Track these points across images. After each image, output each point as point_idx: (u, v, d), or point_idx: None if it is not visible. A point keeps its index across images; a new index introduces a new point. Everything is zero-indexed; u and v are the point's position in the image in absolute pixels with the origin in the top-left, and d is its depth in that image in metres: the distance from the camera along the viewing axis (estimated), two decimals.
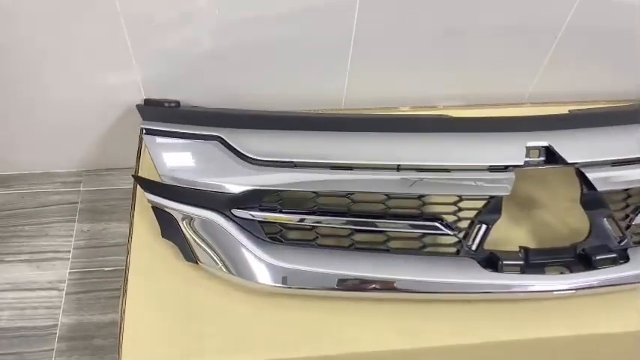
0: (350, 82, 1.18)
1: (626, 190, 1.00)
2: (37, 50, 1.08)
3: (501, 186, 0.95)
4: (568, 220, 1.07)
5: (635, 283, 0.96)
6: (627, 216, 1.00)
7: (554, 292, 0.93)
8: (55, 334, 1.13)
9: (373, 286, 0.93)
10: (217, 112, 1.10)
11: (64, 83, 1.14)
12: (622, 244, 0.98)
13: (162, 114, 1.08)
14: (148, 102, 1.16)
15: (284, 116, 1.07)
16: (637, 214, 1.00)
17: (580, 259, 0.96)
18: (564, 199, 1.09)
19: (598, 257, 0.94)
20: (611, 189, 0.97)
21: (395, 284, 0.93)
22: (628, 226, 0.99)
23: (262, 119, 1.06)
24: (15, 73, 1.12)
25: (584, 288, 0.94)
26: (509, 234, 1.03)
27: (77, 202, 1.31)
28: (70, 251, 1.24)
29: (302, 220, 0.97)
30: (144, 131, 1.02)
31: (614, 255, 0.95)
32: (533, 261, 0.95)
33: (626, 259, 0.96)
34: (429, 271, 0.93)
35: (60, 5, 1.00)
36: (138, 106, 1.11)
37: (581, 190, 0.97)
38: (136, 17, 1.03)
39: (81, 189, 1.33)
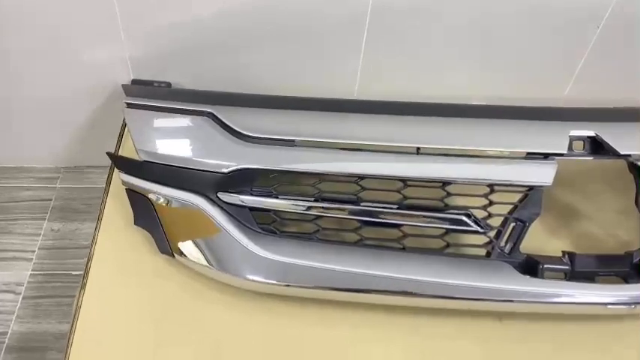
0: (364, 71, 1.05)
1: None
2: (19, 24, 0.97)
3: (542, 175, 0.78)
4: (618, 233, 0.89)
5: None
6: None
7: (609, 307, 0.75)
8: (4, 343, 0.95)
9: (383, 287, 0.76)
10: (211, 91, 0.96)
11: (43, 59, 1.02)
12: None
13: (149, 92, 0.95)
14: (135, 82, 1.04)
15: (286, 97, 0.93)
16: None
17: (637, 270, 0.79)
18: (611, 210, 0.92)
19: None
20: None
21: (409, 286, 0.76)
22: None
23: (261, 99, 0.91)
24: None
25: None
26: (546, 244, 0.86)
27: (51, 200, 1.16)
28: (34, 251, 1.08)
29: (301, 208, 0.81)
30: (125, 105, 0.88)
31: None
32: (581, 269, 0.78)
33: None
34: (452, 272, 0.76)
35: None
36: (124, 85, 0.98)
37: (638, 187, 0.81)
38: None
39: (57, 186, 1.19)
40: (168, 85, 1.03)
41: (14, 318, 0.98)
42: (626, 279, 0.78)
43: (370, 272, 0.76)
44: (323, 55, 1.04)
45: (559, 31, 1.02)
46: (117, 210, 0.89)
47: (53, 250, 1.08)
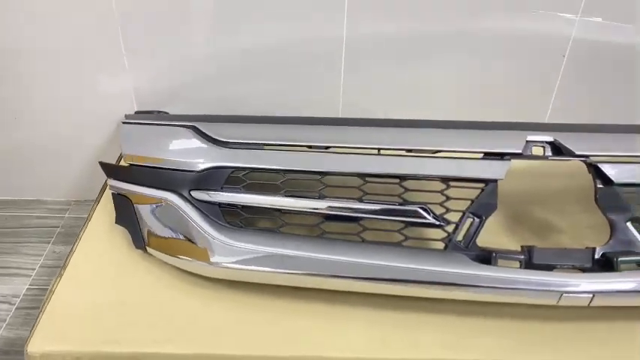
0: (345, 96, 1.14)
1: None
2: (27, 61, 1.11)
3: (495, 171, 0.81)
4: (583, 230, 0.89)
5: None
6: None
7: (566, 296, 0.74)
8: None
9: (340, 271, 0.78)
10: (202, 114, 1.05)
11: (52, 98, 1.15)
12: None
13: (146, 117, 1.04)
14: (138, 113, 1.15)
15: (269, 117, 1.01)
16: None
17: (599, 264, 0.78)
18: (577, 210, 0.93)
19: (622, 258, 0.76)
20: (632, 182, 0.81)
21: (366, 269, 0.77)
22: None
23: (246, 119, 0.99)
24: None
25: (604, 292, 0.74)
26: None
27: (58, 227, 1.25)
28: (34, 269, 1.14)
29: (266, 203, 0.85)
30: (122, 123, 0.98)
31: None
32: (539, 261, 0.77)
33: None
34: (406, 258, 0.77)
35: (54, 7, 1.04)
36: (126, 115, 1.09)
37: (595, 185, 0.82)
38: (132, 26, 1.06)
39: (66, 215, 1.28)
40: (166, 113, 1.13)
41: (5, 325, 1.02)
42: (586, 271, 0.77)
43: (328, 257, 0.79)
44: (306, 88, 1.13)
45: (530, 60, 1.08)
46: (104, 214, 0.96)
47: (52, 268, 1.14)
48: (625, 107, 1.12)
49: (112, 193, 0.93)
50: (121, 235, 0.91)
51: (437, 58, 1.09)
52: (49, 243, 1.20)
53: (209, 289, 0.84)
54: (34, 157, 1.26)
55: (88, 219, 0.96)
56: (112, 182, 0.93)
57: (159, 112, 1.13)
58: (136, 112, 1.15)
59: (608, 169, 0.81)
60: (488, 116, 1.12)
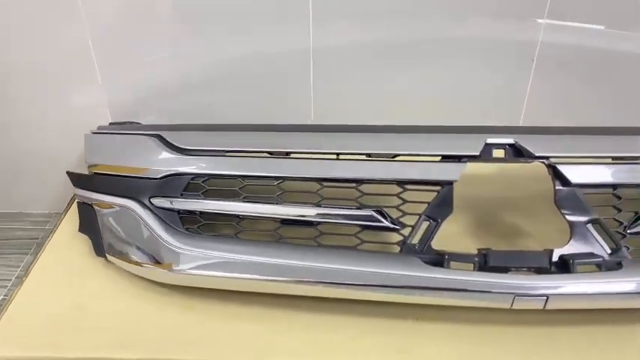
0: (316, 106, 1.14)
1: (616, 193, 0.81)
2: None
3: (449, 173, 0.80)
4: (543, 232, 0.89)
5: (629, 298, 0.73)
6: (620, 223, 0.80)
7: (519, 298, 0.72)
8: None
9: (290, 275, 0.78)
10: (172, 124, 1.06)
11: (32, 113, 1.18)
12: (614, 255, 0.77)
13: (116, 127, 1.06)
14: (112, 124, 1.16)
15: (236, 125, 1.01)
16: (635, 222, 0.80)
17: (557, 267, 0.76)
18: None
19: (579, 260, 0.74)
20: (589, 182, 0.79)
21: (319, 273, 0.77)
22: (623, 236, 0.79)
23: (214, 127, 1.00)
24: None
25: (558, 295, 0.72)
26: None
27: (37, 238, 1.26)
28: (11, 280, 1.16)
29: (224, 209, 0.85)
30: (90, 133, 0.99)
31: (600, 260, 0.75)
32: (496, 264, 0.76)
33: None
34: (358, 262, 0.77)
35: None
36: (99, 126, 1.11)
37: (554, 187, 0.81)
38: (103, 41, 1.09)
39: (46, 227, 1.29)
40: (138, 123, 1.14)
41: None
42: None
43: (283, 262, 0.79)
44: (277, 99, 1.14)
45: (500, 65, 1.08)
46: (71, 224, 0.97)
47: None
48: (597, 109, 1.10)
49: (77, 202, 0.94)
50: (84, 243, 0.92)
51: (405, 65, 1.09)
52: (27, 254, 1.22)
53: (166, 296, 0.84)
54: (17, 171, 1.28)
55: (54, 228, 0.97)
56: (77, 191, 0.94)
57: (131, 122, 1.14)
58: (110, 124, 1.16)
59: (566, 171, 0.79)
60: (461, 122, 1.13)
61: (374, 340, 0.78)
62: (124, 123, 1.14)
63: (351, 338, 0.78)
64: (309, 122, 1.16)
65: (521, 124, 1.14)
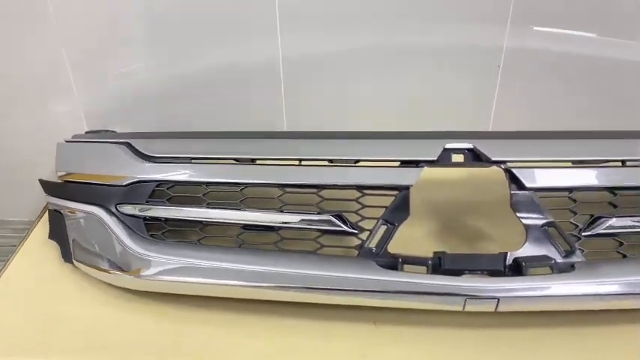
0: (288, 114, 1.16)
1: (571, 196, 0.82)
2: None
3: (405, 178, 0.81)
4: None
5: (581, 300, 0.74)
6: (576, 226, 0.81)
7: (471, 301, 0.73)
8: None
9: (254, 279, 0.80)
10: (145, 132, 1.08)
11: (10, 122, 1.20)
12: (569, 258, 0.78)
13: (88, 136, 1.08)
14: (88, 132, 1.18)
15: (206, 132, 1.03)
16: (590, 225, 0.81)
17: (511, 270, 0.77)
18: None
19: (531, 263, 0.75)
20: (544, 186, 0.81)
21: (277, 277, 0.79)
22: (578, 239, 0.80)
23: (185, 135, 1.02)
24: None
25: (509, 297, 0.73)
26: None
27: (16, 245, 1.27)
28: None
29: (187, 215, 0.87)
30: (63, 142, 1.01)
31: (552, 262, 0.76)
32: (451, 267, 0.77)
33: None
34: (315, 265, 0.78)
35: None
36: (74, 135, 1.13)
37: (510, 191, 0.82)
38: (77, 51, 1.11)
39: (24, 235, 1.31)
40: (113, 132, 1.16)
41: None
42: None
43: (243, 267, 0.80)
44: (248, 107, 1.16)
45: (468, 72, 1.10)
46: (43, 230, 0.99)
47: None
48: (564, 113, 1.12)
49: (49, 209, 0.96)
50: (55, 250, 0.94)
51: (374, 73, 1.11)
52: (4, 262, 1.23)
53: (133, 302, 0.86)
54: None
55: (26, 235, 0.99)
56: (49, 199, 0.96)
57: (107, 131, 1.16)
58: (86, 132, 1.18)
59: (521, 175, 0.81)
60: (430, 129, 1.15)
61: (334, 344, 0.79)
62: (100, 131, 1.17)
63: (312, 342, 0.79)
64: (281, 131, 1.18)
65: (490, 129, 1.15)
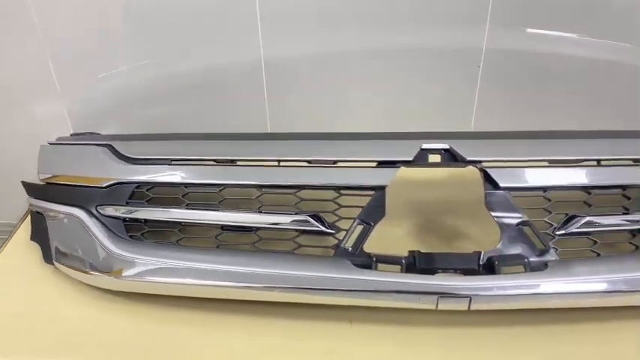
0: (271, 116, 1.17)
1: (546, 195, 0.83)
2: None
3: (380, 178, 0.82)
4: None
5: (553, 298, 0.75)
6: (551, 225, 0.82)
7: (443, 299, 0.74)
8: None
9: (231, 279, 0.81)
10: (129, 134, 1.09)
11: None
12: (543, 257, 0.79)
13: (72, 138, 1.09)
14: (73, 135, 1.19)
15: (188, 134, 1.04)
16: (565, 224, 0.82)
17: (485, 268, 0.78)
18: None
19: (503, 262, 0.76)
20: (518, 185, 0.81)
21: (251, 276, 0.80)
22: (552, 237, 0.81)
23: (167, 136, 1.02)
24: None
25: (481, 296, 0.74)
26: None
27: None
28: None
29: (166, 216, 0.88)
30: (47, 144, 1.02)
31: (525, 261, 0.77)
32: (422, 266, 0.78)
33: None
34: (292, 265, 0.79)
35: None
36: (58, 138, 1.14)
37: (484, 190, 0.82)
38: (61, 51, 1.12)
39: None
40: (98, 134, 1.17)
41: None
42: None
43: (221, 267, 0.81)
44: (233, 109, 1.17)
45: (449, 73, 1.11)
46: (25, 232, 0.99)
47: None
48: (544, 113, 1.13)
49: (31, 211, 0.96)
50: (36, 251, 0.94)
51: (357, 73, 1.12)
52: None
53: (111, 302, 0.86)
54: None
55: (9, 237, 1.00)
56: (31, 200, 0.97)
57: (91, 133, 1.17)
58: (71, 135, 1.19)
59: (496, 174, 0.81)
60: (414, 129, 1.16)
61: (311, 342, 0.79)
62: (85, 134, 1.17)
63: (289, 341, 0.80)
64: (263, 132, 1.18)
65: (472, 130, 1.16)
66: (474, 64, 1.08)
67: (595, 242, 0.83)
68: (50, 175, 0.95)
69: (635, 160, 0.85)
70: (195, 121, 1.20)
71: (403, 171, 0.83)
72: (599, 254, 0.82)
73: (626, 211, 0.84)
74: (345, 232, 0.82)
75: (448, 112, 1.14)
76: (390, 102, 1.14)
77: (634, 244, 0.84)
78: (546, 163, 0.85)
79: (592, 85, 1.09)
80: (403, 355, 0.77)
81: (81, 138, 1.06)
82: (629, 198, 0.84)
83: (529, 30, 1.06)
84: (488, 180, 0.82)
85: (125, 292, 0.86)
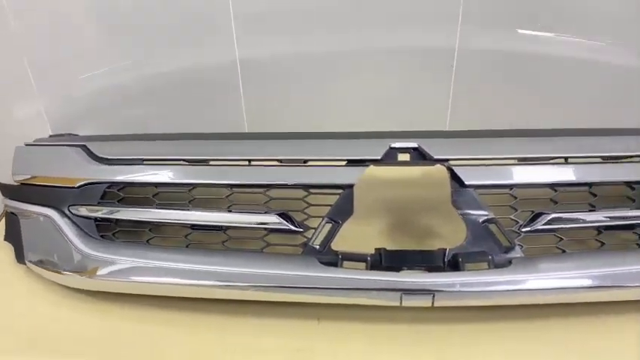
0: (248, 116, 1.17)
1: (512, 193, 0.84)
2: None
3: (349, 176, 0.83)
4: None
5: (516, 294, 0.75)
6: (517, 222, 0.83)
7: (407, 297, 0.75)
8: None
9: (199, 278, 0.81)
10: (106, 135, 1.09)
11: None
12: (508, 254, 0.80)
13: (49, 139, 1.09)
14: (51, 136, 1.20)
15: (163, 134, 1.05)
16: (531, 221, 0.82)
17: (451, 265, 0.79)
18: None
19: (467, 258, 0.77)
20: (483, 183, 0.82)
21: (220, 275, 0.81)
22: (518, 234, 0.82)
23: (144, 137, 1.03)
24: None
25: (444, 292, 0.75)
26: None
27: None
28: None
29: (137, 216, 0.88)
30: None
31: (489, 258, 0.77)
32: (388, 263, 0.79)
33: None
34: (259, 263, 0.80)
35: None
36: (35, 139, 1.14)
37: (450, 188, 0.83)
38: (37, 52, 1.12)
39: None
40: (76, 135, 1.18)
41: None
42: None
43: (188, 266, 0.82)
44: (210, 105, 1.17)
45: (423, 73, 1.11)
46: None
47: None
48: (520, 111, 1.13)
49: (5, 212, 0.97)
50: (10, 252, 0.95)
51: (333, 73, 1.13)
52: None
53: (84, 302, 0.87)
54: None
55: None
56: (6, 201, 0.97)
57: (70, 134, 1.18)
58: (49, 136, 1.20)
59: (461, 172, 0.82)
60: (389, 128, 1.16)
61: (280, 340, 0.80)
62: (63, 135, 1.18)
63: (259, 339, 0.81)
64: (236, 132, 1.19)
65: (447, 129, 1.17)
66: (448, 64, 1.09)
67: (561, 239, 0.83)
68: (25, 176, 0.95)
69: (604, 158, 0.86)
70: (173, 121, 1.21)
71: (371, 169, 0.84)
72: (564, 251, 0.82)
73: (593, 208, 0.85)
74: (313, 231, 0.83)
75: (423, 112, 1.15)
76: (365, 101, 1.15)
77: (600, 241, 0.84)
78: (515, 161, 0.86)
79: (566, 83, 1.10)
80: (370, 351, 0.78)
81: (58, 139, 1.07)
82: (595, 195, 0.85)
83: (502, 30, 1.07)
84: (455, 178, 0.82)
85: (96, 292, 0.87)
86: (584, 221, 0.83)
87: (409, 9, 1.04)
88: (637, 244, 0.85)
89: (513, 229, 0.82)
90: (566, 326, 0.80)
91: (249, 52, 1.10)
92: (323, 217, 0.83)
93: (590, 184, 0.85)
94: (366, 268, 0.78)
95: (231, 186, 0.87)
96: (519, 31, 1.07)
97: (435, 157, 0.84)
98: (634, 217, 0.84)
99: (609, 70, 1.09)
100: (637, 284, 0.79)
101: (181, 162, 0.90)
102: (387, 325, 0.81)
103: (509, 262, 0.78)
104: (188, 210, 0.87)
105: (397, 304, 0.76)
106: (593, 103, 1.12)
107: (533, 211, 0.84)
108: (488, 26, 1.06)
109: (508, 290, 0.77)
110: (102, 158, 0.92)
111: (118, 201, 0.90)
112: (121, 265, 0.83)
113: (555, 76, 1.10)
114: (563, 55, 1.09)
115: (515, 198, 0.84)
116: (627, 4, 1.04)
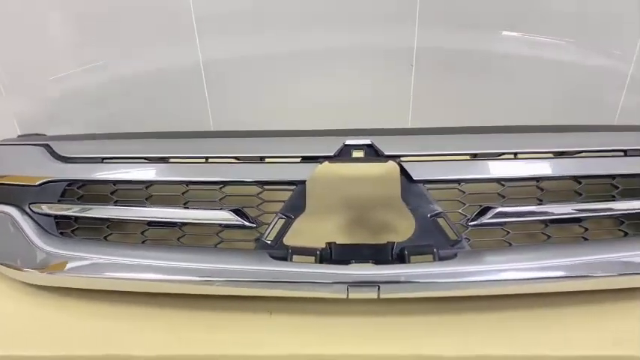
0: (214, 117, 1.19)
1: (461, 187, 0.86)
2: None
3: (301, 173, 0.85)
4: None
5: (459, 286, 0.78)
6: (465, 216, 0.85)
7: (353, 289, 0.77)
8: None
9: (154, 273, 0.83)
10: (71, 134, 1.11)
11: None
12: (454, 247, 0.82)
13: (15, 140, 1.10)
14: (20, 136, 1.21)
15: (127, 133, 1.07)
16: (478, 215, 0.85)
17: (399, 258, 0.81)
18: None
19: (413, 252, 0.79)
20: (431, 178, 0.84)
21: (173, 270, 0.83)
22: (465, 228, 0.84)
23: (106, 136, 1.05)
24: None
25: (389, 284, 0.77)
26: None
27: None
28: None
29: (94, 213, 0.90)
30: None
31: (434, 251, 0.80)
32: (337, 257, 0.81)
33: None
34: (211, 258, 0.82)
35: None
36: (3, 140, 1.15)
37: (400, 183, 0.85)
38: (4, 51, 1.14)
39: None
40: (44, 135, 1.19)
41: None
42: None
43: (143, 261, 0.84)
44: (175, 106, 1.19)
45: (384, 72, 1.14)
46: None
47: None
48: (481, 108, 1.16)
49: None
50: None
51: (296, 72, 1.15)
52: None
53: (41, 297, 0.89)
54: None
55: None
56: None
57: (37, 134, 1.19)
58: (18, 137, 1.21)
59: (410, 168, 0.84)
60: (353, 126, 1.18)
61: (232, 334, 0.82)
62: (31, 135, 1.19)
63: (211, 333, 0.82)
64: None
65: (409, 126, 1.19)
66: (408, 62, 1.11)
67: (508, 232, 0.86)
68: None
69: (555, 154, 0.89)
70: (141, 120, 1.22)
71: (324, 166, 0.86)
72: (510, 244, 0.85)
73: (540, 202, 0.87)
74: (267, 226, 0.85)
75: (385, 110, 1.17)
76: (328, 100, 1.17)
77: (546, 234, 0.87)
78: (467, 157, 0.88)
79: (526, 80, 1.13)
80: (319, 343, 0.79)
81: (26, 139, 1.09)
82: (542, 189, 0.87)
83: (460, 28, 1.09)
84: (404, 174, 0.85)
85: (55, 287, 0.89)
86: (530, 214, 0.85)
87: (366, 9, 1.06)
88: (583, 237, 0.87)
89: (461, 222, 0.84)
90: (513, 317, 0.82)
91: (212, 53, 1.12)
92: (276, 213, 0.85)
93: (537, 179, 0.87)
94: (315, 262, 0.80)
95: (188, 183, 0.89)
96: (478, 31, 1.09)
97: (387, 153, 0.86)
98: (580, 210, 0.87)
99: (570, 68, 1.11)
100: (581, 274, 0.81)
101: (141, 160, 0.92)
102: (338, 318, 0.82)
103: (455, 254, 0.80)
104: (145, 207, 0.89)
105: (344, 296, 0.78)
106: (550, 100, 1.15)
107: (480, 206, 0.86)
108: (446, 25, 1.08)
109: (452, 282, 0.79)
110: (63, 157, 0.93)
111: (77, 199, 0.92)
112: (80, 262, 0.85)
113: (515, 74, 1.12)
114: (523, 53, 1.12)
115: (464, 193, 0.86)
116: (585, 4, 1.07)
